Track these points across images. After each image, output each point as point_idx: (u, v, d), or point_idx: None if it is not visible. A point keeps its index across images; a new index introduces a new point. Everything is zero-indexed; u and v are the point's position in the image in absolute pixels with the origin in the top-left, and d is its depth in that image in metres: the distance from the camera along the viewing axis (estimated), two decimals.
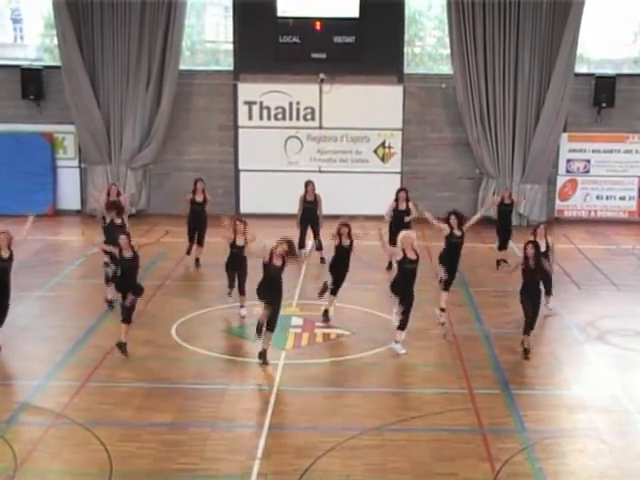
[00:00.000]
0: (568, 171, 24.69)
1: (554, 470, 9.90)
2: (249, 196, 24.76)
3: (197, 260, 18.78)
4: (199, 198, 18.88)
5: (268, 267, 12.88)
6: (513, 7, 23.15)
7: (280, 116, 24.66)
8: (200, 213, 18.77)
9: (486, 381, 12.49)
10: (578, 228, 23.73)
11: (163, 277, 17.81)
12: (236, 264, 15.21)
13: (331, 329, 14.73)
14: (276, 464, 9.89)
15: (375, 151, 24.72)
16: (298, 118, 24.67)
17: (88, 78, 23.72)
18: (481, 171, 24.36)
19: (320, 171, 24.30)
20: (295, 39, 23.78)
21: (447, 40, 23.87)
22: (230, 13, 24.51)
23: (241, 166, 24.87)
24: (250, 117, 24.67)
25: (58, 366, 12.87)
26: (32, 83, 24.18)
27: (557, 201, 24.81)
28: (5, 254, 13.33)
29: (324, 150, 24.75)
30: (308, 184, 19.31)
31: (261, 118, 24.67)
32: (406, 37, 24.54)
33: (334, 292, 15.20)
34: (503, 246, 19.03)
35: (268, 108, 24.63)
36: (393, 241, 16.15)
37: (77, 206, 25.07)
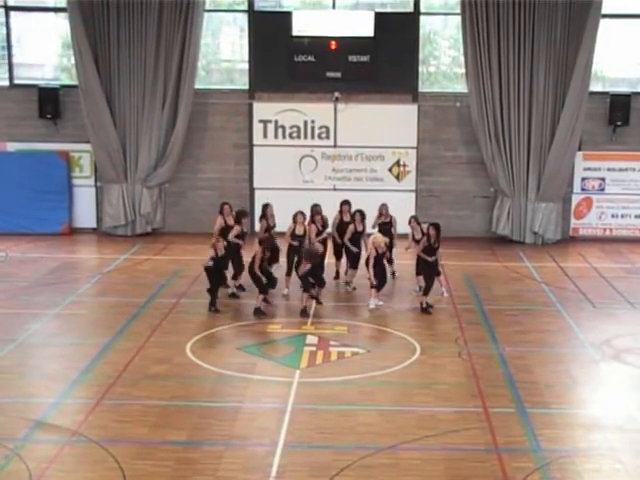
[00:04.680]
0: (583, 189, 24.62)
1: None
2: None
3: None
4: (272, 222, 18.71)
5: None
6: (528, 26, 23.18)
7: (295, 135, 24.73)
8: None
9: (501, 400, 12.45)
10: (593, 246, 23.65)
11: (178, 295, 17.87)
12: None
13: (346, 347, 14.73)
14: None
15: (390, 169, 24.73)
16: (313, 137, 24.72)
17: (104, 97, 23.87)
18: (496, 189, 24.34)
19: (335, 189, 24.34)
20: (310, 58, 23.89)
21: (462, 59, 23.90)
22: (246, 32, 24.65)
23: (256, 184, 24.93)
24: (265, 135, 24.76)
25: (74, 384, 12.91)
26: (49, 102, 24.30)
27: (572, 219, 24.72)
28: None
29: (339, 169, 24.78)
30: (315, 209, 18.74)
31: (276, 137, 24.76)
32: (421, 56, 24.55)
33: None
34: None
35: (283, 127, 24.71)
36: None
37: (93, 224, 25.16)
